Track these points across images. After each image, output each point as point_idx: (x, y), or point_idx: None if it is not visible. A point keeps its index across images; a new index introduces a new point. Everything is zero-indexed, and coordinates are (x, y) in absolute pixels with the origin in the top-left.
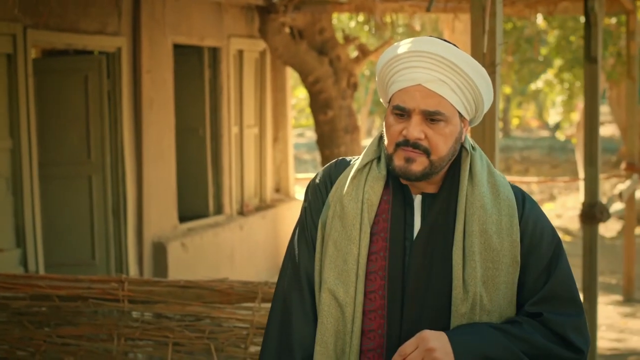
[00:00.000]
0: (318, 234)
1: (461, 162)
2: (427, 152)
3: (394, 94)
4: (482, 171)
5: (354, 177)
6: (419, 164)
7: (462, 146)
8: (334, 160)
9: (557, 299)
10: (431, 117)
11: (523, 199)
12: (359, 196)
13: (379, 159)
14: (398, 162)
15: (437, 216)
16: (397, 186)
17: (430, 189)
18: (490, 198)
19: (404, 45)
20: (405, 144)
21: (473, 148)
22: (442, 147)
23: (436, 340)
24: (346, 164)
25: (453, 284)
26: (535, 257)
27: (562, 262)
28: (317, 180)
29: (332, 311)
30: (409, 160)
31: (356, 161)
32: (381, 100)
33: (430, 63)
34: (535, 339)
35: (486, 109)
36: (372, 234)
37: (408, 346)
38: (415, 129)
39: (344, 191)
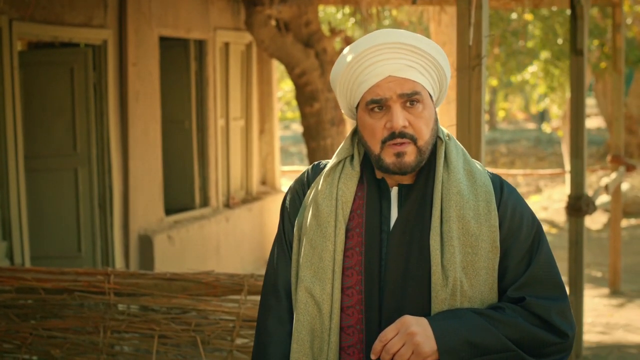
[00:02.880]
0: (294, 236)
1: (436, 150)
2: (414, 140)
3: (364, 93)
4: (457, 159)
5: (327, 175)
6: (410, 155)
7: (437, 136)
8: (310, 165)
9: (540, 283)
10: (410, 100)
11: (501, 186)
12: (332, 194)
13: (352, 157)
14: (389, 159)
15: (413, 205)
16: (371, 180)
17: (407, 180)
18: (467, 184)
19: (358, 46)
20: (392, 137)
21: (448, 137)
22: (425, 130)
23: (417, 325)
24: (322, 168)
25: (432, 269)
26: (516, 243)
27: (543, 247)
28: (295, 185)
29: (308, 309)
30: (400, 154)
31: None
32: (344, 110)
33: (393, 52)
34: (518, 322)
35: (447, 86)
36: (347, 230)
37: (389, 332)
38: (400, 117)
39: (318, 190)
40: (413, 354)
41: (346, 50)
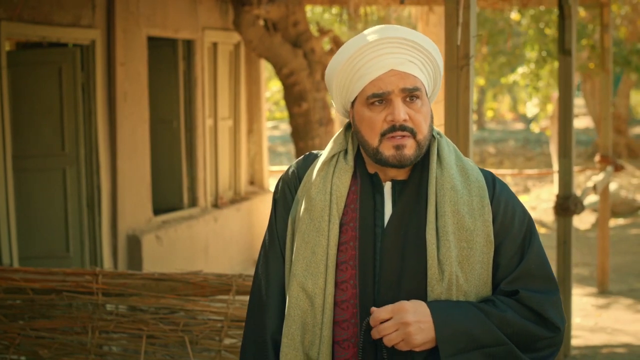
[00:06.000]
0: (288, 230)
1: (429, 147)
2: (413, 133)
3: (365, 86)
4: (449, 155)
5: (321, 170)
6: (410, 148)
7: None
8: (302, 155)
9: (532, 277)
10: (410, 95)
11: (493, 181)
12: (326, 188)
13: (345, 151)
14: (388, 152)
15: (408, 201)
16: (365, 175)
17: (400, 175)
18: (460, 180)
19: (359, 40)
20: (392, 130)
21: (439, 135)
22: (424, 125)
23: (413, 314)
24: (314, 157)
25: (428, 264)
26: (509, 237)
27: (535, 241)
28: (286, 176)
29: (299, 303)
30: (399, 147)
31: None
32: (336, 104)
33: (395, 47)
34: (512, 316)
35: (439, 84)
36: (341, 225)
37: (383, 312)
38: (401, 110)
39: (312, 184)
40: (403, 342)
41: (346, 44)
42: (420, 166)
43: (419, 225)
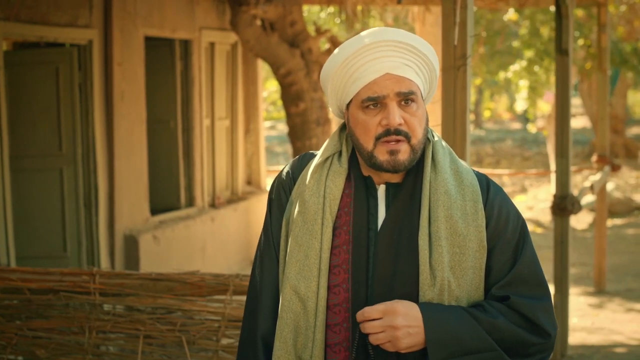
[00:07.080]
0: (282, 231)
1: (424, 150)
2: (407, 137)
3: (360, 89)
4: (444, 158)
5: (314, 172)
6: (404, 153)
7: None
8: (298, 156)
9: (525, 282)
10: (406, 99)
11: (487, 185)
12: (320, 191)
13: (339, 153)
14: (383, 157)
15: (401, 204)
16: (359, 178)
17: (395, 178)
18: (454, 184)
19: (355, 43)
20: (387, 134)
21: (433, 136)
22: (419, 129)
23: (404, 318)
24: (310, 158)
25: (420, 269)
26: (502, 242)
27: (528, 246)
28: (281, 177)
29: (292, 306)
30: (393, 152)
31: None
32: (331, 105)
33: (391, 50)
34: (502, 322)
35: (435, 86)
36: (335, 228)
37: (374, 312)
38: (396, 115)
39: (305, 186)
40: (389, 343)
41: (341, 46)
42: (415, 169)
43: (412, 230)
